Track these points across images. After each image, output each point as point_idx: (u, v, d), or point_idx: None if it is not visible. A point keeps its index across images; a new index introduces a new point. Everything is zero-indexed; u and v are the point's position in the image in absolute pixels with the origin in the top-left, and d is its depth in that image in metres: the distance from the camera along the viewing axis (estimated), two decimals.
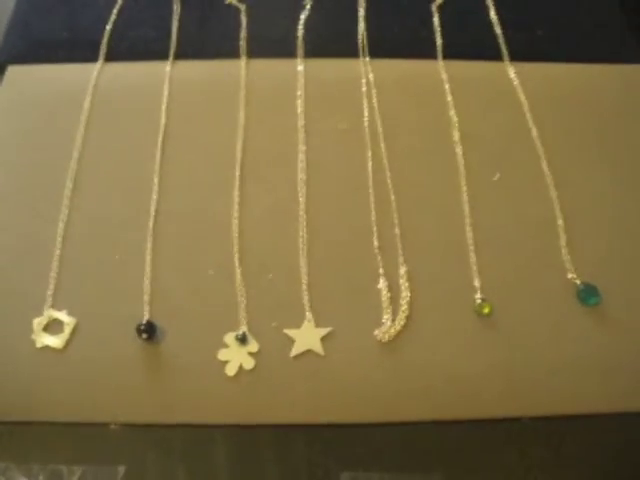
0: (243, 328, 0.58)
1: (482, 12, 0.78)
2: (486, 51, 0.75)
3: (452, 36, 0.75)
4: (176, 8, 0.78)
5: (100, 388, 0.56)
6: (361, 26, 0.76)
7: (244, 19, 0.77)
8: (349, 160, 0.67)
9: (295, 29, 0.76)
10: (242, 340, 0.57)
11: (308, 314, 0.58)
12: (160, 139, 0.68)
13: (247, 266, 0.61)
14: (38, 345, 0.57)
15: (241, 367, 0.56)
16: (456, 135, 0.68)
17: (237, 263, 0.61)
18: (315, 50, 0.75)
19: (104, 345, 0.57)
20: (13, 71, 0.74)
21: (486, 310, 0.58)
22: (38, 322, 0.58)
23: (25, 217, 0.64)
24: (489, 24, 0.76)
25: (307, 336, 0.57)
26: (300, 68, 0.73)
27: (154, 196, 0.65)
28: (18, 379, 0.56)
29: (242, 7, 0.78)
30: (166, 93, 0.71)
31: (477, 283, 0.60)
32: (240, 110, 0.70)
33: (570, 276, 0.60)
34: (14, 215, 0.64)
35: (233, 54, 0.74)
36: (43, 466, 0.53)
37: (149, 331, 0.57)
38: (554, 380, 0.56)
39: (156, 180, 0.66)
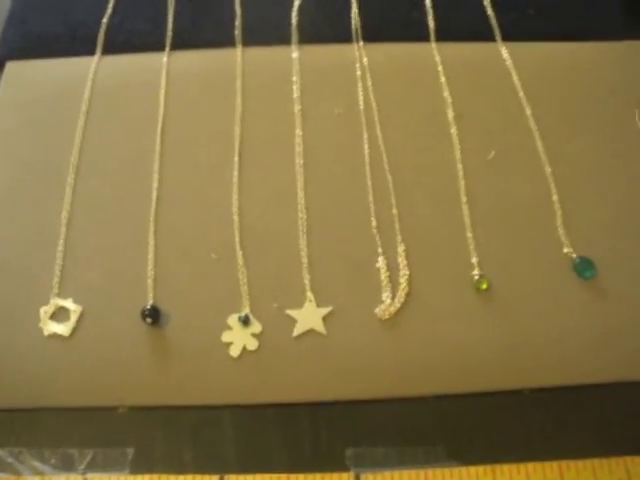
0: (246, 310, 0.59)
1: None
2: (478, 32, 0.75)
3: (444, 18, 0.75)
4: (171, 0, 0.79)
5: (107, 373, 0.57)
6: (354, 10, 0.76)
7: (238, 8, 0.77)
8: (345, 144, 0.68)
9: (289, 16, 0.76)
10: (245, 322, 0.58)
11: (309, 294, 0.59)
12: (159, 128, 0.69)
13: (248, 249, 0.62)
14: (46, 333, 0.58)
15: (245, 348, 0.57)
16: (450, 115, 0.69)
17: (238, 246, 0.62)
18: (309, 36, 0.75)
19: (110, 331, 0.58)
20: (12, 67, 0.75)
21: (484, 286, 0.59)
22: (45, 311, 0.59)
23: (29, 209, 0.65)
24: (481, 5, 0.76)
25: (309, 316, 0.58)
26: (295, 55, 0.73)
27: (155, 184, 0.65)
28: (28, 367, 0.57)
29: None
30: (164, 83, 0.72)
31: (474, 259, 0.60)
32: (237, 98, 0.71)
33: (566, 250, 0.61)
34: (18, 208, 0.65)
35: (229, 43, 0.75)
36: (54, 450, 0.54)
37: (153, 315, 0.58)
38: (553, 352, 0.57)
39: (156, 168, 0.66)
